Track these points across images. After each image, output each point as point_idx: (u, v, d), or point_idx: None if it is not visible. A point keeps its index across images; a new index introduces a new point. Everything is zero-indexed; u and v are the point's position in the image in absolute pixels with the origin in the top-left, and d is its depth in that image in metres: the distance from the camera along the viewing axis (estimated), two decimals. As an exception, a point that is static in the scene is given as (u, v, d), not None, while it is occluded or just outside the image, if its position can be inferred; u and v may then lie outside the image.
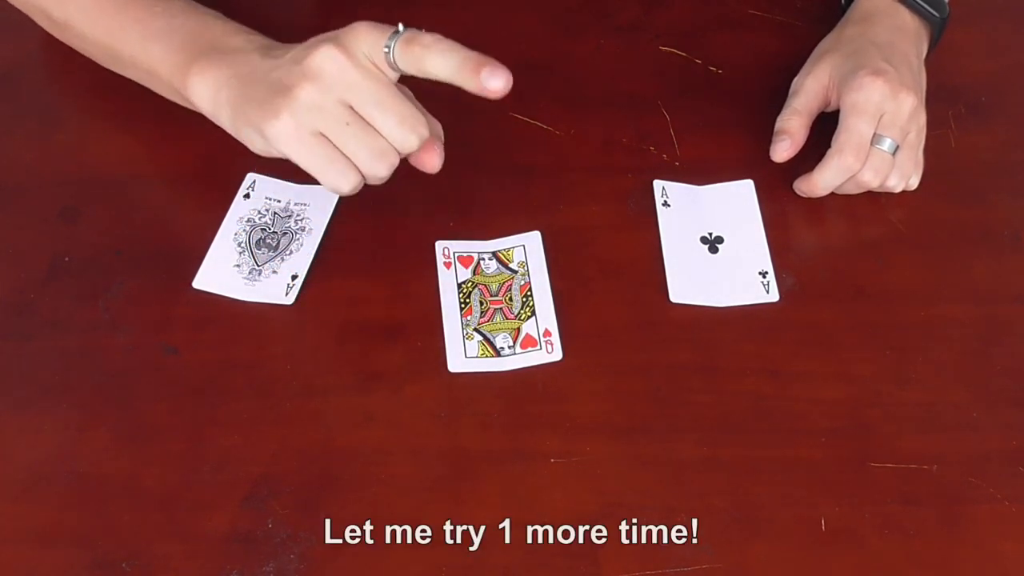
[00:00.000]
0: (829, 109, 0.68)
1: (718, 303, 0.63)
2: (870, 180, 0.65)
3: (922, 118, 0.67)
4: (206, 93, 0.60)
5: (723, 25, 0.78)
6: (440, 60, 0.54)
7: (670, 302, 0.63)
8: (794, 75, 0.70)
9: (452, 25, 0.77)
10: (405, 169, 0.68)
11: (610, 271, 0.65)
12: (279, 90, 0.55)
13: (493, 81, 0.52)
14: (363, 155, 0.55)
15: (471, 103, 0.73)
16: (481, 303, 0.62)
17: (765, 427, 0.59)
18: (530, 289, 0.63)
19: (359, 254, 0.66)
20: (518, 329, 0.61)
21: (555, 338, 0.61)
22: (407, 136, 0.56)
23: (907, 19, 0.70)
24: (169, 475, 0.57)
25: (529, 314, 0.62)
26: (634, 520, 0.55)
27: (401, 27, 0.55)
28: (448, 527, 0.55)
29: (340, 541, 0.55)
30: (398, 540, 0.55)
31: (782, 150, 0.67)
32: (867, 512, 0.55)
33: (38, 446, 0.58)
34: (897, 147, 0.65)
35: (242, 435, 0.58)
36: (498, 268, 0.64)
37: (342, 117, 0.54)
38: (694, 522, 0.55)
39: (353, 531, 0.55)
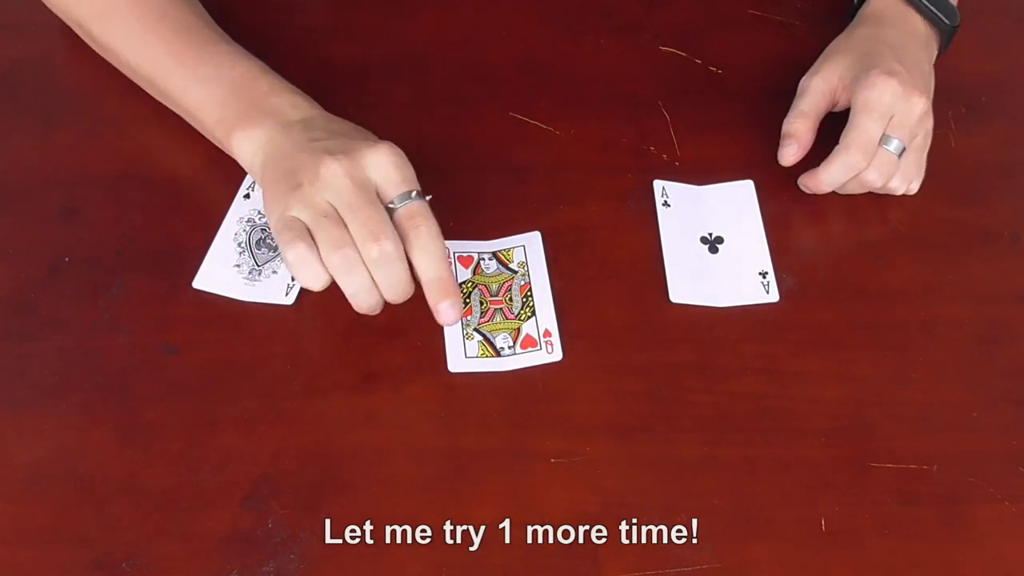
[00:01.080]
0: (837, 109, 0.68)
1: (718, 303, 0.63)
2: (874, 180, 0.65)
3: (930, 123, 0.67)
4: (246, 152, 0.63)
5: (723, 25, 0.78)
6: (417, 260, 0.57)
7: (670, 302, 0.63)
8: (794, 75, 0.70)
9: (452, 25, 0.77)
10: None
11: (610, 271, 0.65)
12: (294, 181, 0.58)
13: (445, 315, 0.57)
14: (325, 242, 0.56)
15: (471, 103, 0.73)
16: (481, 303, 0.62)
17: (765, 427, 0.59)
18: (530, 289, 0.63)
19: (359, 254, 0.66)
20: (518, 329, 0.61)
21: (555, 338, 0.61)
22: (366, 244, 0.56)
23: (918, 24, 0.70)
24: (169, 475, 0.57)
25: (529, 314, 0.62)
26: (634, 520, 0.55)
27: (413, 193, 0.58)
28: (448, 527, 0.55)
29: (340, 541, 0.55)
30: (398, 540, 0.55)
31: (789, 154, 0.67)
32: (867, 512, 0.55)
33: (38, 446, 0.58)
34: (904, 149, 0.65)
35: (242, 435, 0.58)
36: (498, 268, 0.63)
37: (319, 211, 0.57)
38: (694, 522, 0.55)
39: (353, 531, 0.55)
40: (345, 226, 0.57)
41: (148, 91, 0.69)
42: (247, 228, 0.66)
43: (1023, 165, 0.70)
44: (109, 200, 0.68)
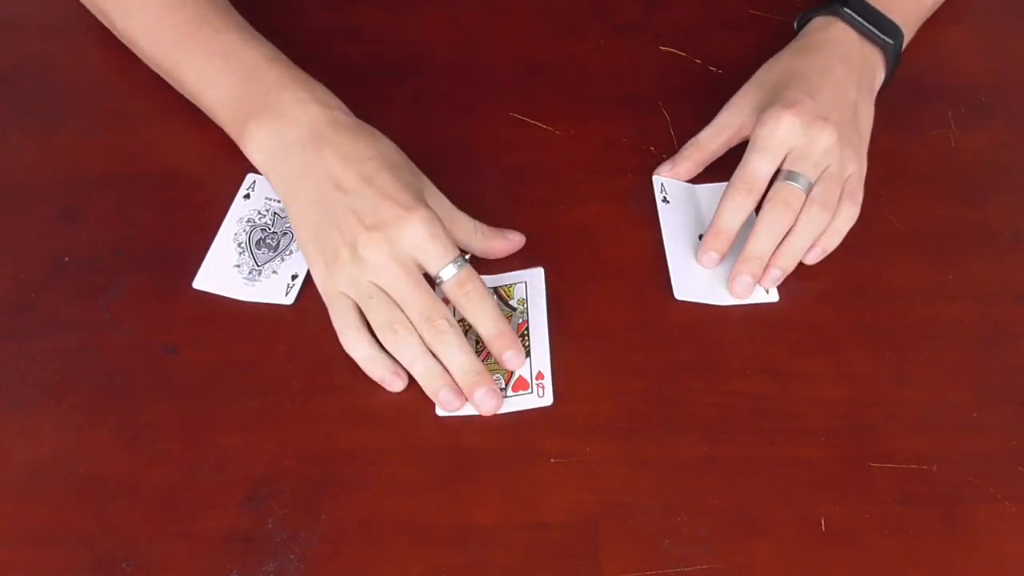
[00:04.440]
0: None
1: (720, 302, 0.63)
2: (780, 216, 0.62)
3: (851, 152, 0.64)
4: (260, 159, 0.64)
5: (723, 25, 0.78)
6: (476, 323, 0.60)
7: (670, 302, 0.63)
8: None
9: (452, 25, 0.77)
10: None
11: (610, 271, 0.65)
12: (329, 249, 0.60)
13: (511, 364, 0.60)
14: (379, 322, 0.59)
15: (471, 103, 0.73)
16: (478, 341, 0.61)
17: (765, 427, 0.59)
18: (527, 328, 0.62)
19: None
20: (512, 371, 0.61)
21: (547, 382, 0.60)
22: (422, 326, 0.58)
23: (854, 45, 0.68)
24: (169, 475, 0.57)
25: (524, 355, 0.61)
26: (634, 520, 0.55)
27: (454, 267, 0.59)
28: (448, 527, 0.55)
29: (340, 541, 0.55)
30: (398, 540, 0.55)
31: (663, 170, 0.68)
32: (867, 512, 0.55)
33: (38, 446, 0.58)
34: (811, 183, 0.62)
35: (242, 435, 0.58)
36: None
37: (366, 293, 0.59)
38: (694, 522, 0.55)
39: (353, 531, 0.55)
40: (395, 304, 0.59)
41: (173, 86, 0.69)
42: (247, 228, 0.66)
43: (1023, 165, 0.70)
44: (109, 200, 0.68)
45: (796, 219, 0.62)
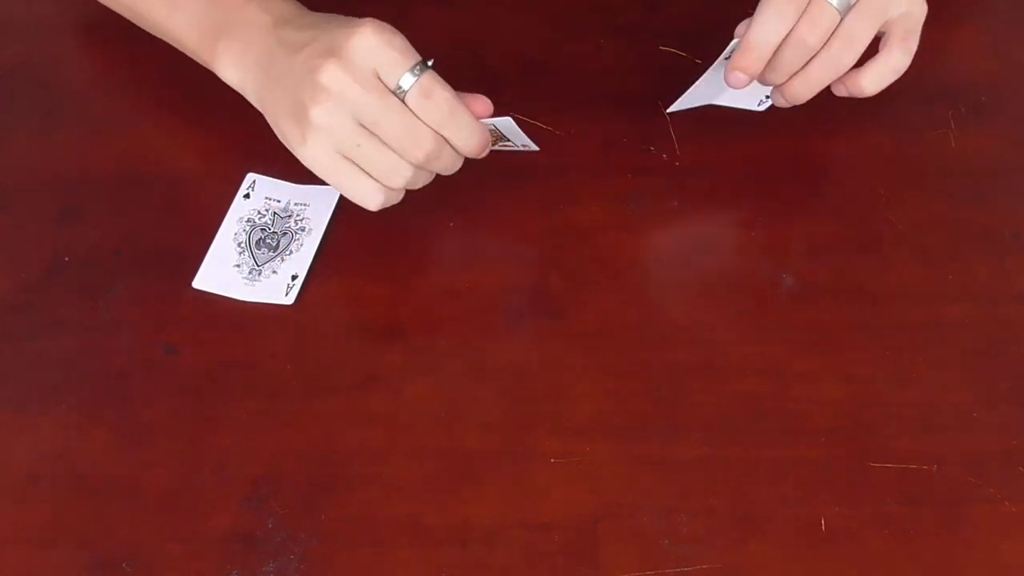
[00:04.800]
0: None
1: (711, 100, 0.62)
2: (805, 35, 0.57)
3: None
4: (233, 78, 0.62)
5: (723, 25, 0.77)
6: (449, 136, 0.58)
7: (670, 302, 0.63)
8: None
9: (452, 25, 0.77)
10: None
11: (610, 271, 0.65)
12: (297, 109, 0.57)
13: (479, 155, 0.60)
14: (378, 171, 0.58)
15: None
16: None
17: (765, 427, 0.59)
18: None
19: (359, 254, 0.66)
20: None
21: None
22: (409, 150, 0.57)
23: None
24: (169, 475, 0.57)
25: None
26: (634, 520, 0.55)
27: (416, 68, 0.56)
28: (448, 527, 0.55)
29: (340, 541, 0.55)
30: (398, 540, 0.55)
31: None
32: (867, 512, 0.55)
33: (38, 446, 0.58)
34: (848, 5, 0.57)
35: (242, 435, 0.58)
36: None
37: (354, 139, 0.56)
38: (694, 522, 0.55)
39: (353, 531, 0.55)
40: (375, 136, 0.56)
41: (141, 26, 0.68)
42: (247, 228, 0.66)
43: (1023, 165, 0.70)
44: (109, 200, 0.68)
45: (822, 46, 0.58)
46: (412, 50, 0.57)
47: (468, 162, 0.69)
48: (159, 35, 0.67)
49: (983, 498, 0.56)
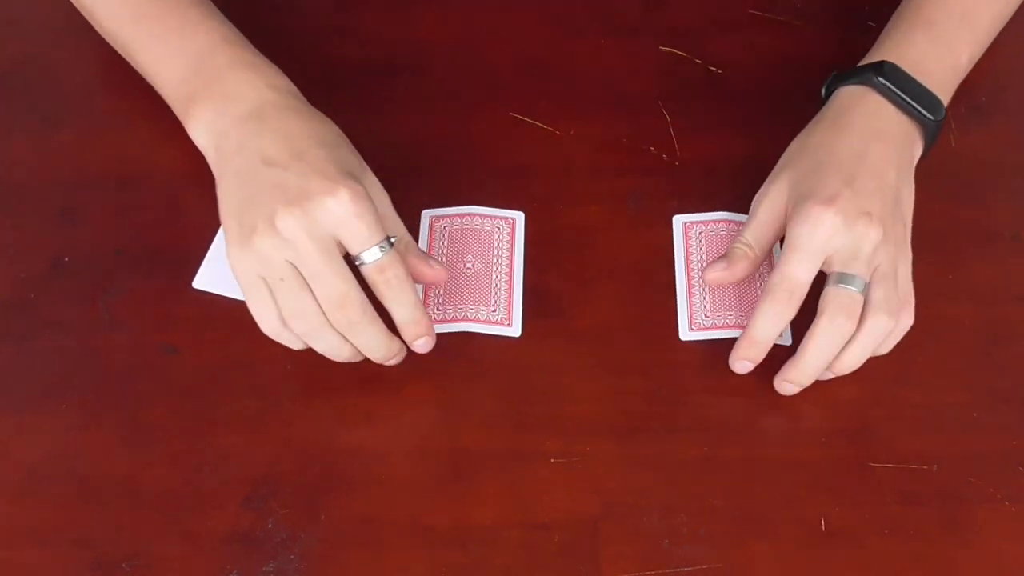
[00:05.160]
0: None
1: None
2: (842, 325, 0.56)
3: (898, 249, 0.58)
4: (201, 140, 0.62)
5: (723, 25, 0.77)
6: (391, 310, 0.58)
7: (669, 302, 0.63)
8: (794, 75, 0.70)
9: (452, 25, 0.77)
10: (405, 166, 0.69)
11: (610, 271, 0.65)
12: (246, 218, 0.56)
13: (420, 350, 0.59)
14: (287, 310, 0.56)
15: (471, 103, 0.73)
16: None
17: (765, 427, 0.59)
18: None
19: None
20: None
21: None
22: (333, 311, 0.56)
23: (891, 120, 0.61)
24: (169, 475, 0.57)
25: None
26: (634, 520, 0.55)
27: (378, 250, 0.56)
28: (448, 527, 0.55)
29: (340, 541, 0.55)
30: (398, 540, 0.55)
31: (715, 270, 0.61)
32: (867, 512, 0.55)
33: (38, 446, 0.58)
34: (866, 284, 0.57)
35: (242, 435, 0.58)
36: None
37: (281, 273, 0.55)
38: (694, 522, 0.55)
39: (353, 531, 0.55)
40: (308, 288, 0.55)
41: (129, 62, 0.68)
42: (247, 228, 0.66)
43: (1023, 165, 0.70)
44: (109, 200, 0.68)
45: (858, 328, 0.57)
46: (380, 226, 0.56)
47: (467, 163, 0.69)
48: (146, 77, 0.66)
49: (983, 498, 0.56)
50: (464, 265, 0.65)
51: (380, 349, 0.58)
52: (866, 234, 0.56)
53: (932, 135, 0.63)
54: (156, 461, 0.58)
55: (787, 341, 0.61)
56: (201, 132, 0.62)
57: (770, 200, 0.61)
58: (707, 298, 0.63)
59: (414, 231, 0.66)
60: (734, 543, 0.55)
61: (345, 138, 0.61)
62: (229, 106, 0.60)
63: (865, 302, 0.57)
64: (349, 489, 0.56)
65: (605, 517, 0.55)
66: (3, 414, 0.59)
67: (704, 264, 0.64)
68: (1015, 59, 0.76)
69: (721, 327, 0.62)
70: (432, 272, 0.60)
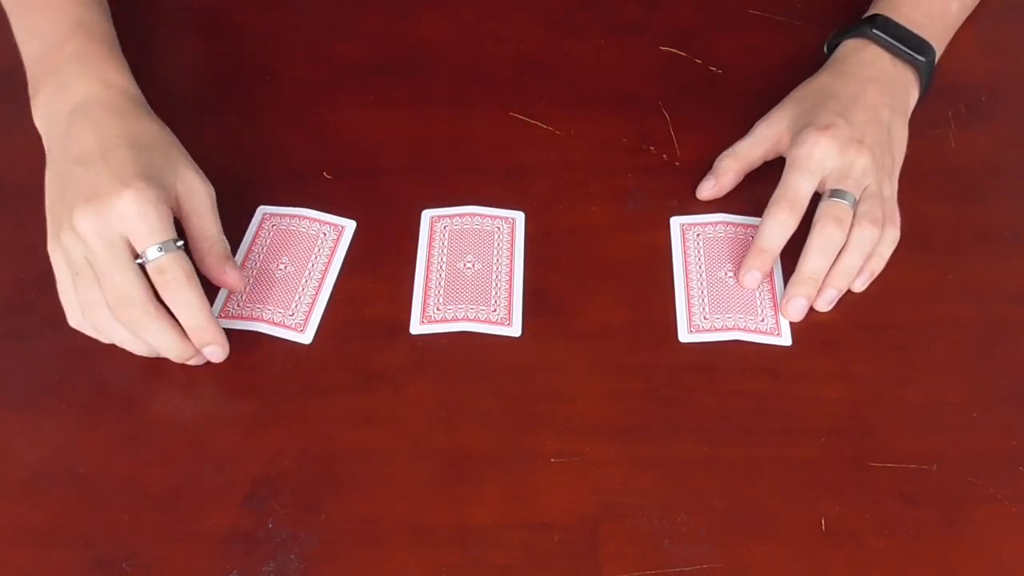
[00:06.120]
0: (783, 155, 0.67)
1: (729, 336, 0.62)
2: (832, 233, 0.62)
3: (886, 175, 0.65)
4: (40, 125, 0.64)
5: (723, 25, 0.78)
6: (176, 312, 0.58)
7: (669, 302, 0.63)
8: (794, 75, 0.71)
9: (452, 25, 0.77)
10: (406, 166, 0.69)
11: (610, 271, 0.65)
12: (57, 214, 0.59)
13: (213, 358, 0.59)
14: (83, 301, 0.58)
15: (471, 103, 0.73)
16: None
17: (765, 427, 0.59)
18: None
19: (359, 254, 0.66)
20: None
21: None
22: (115, 308, 0.57)
23: (887, 66, 0.68)
24: (169, 475, 0.57)
25: None
26: (634, 520, 0.55)
27: (157, 249, 0.57)
28: (448, 527, 0.55)
29: (340, 541, 0.55)
30: (398, 540, 0.55)
31: (705, 188, 0.67)
32: (867, 512, 0.55)
33: (38, 446, 0.58)
34: (856, 199, 0.63)
35: (242, 435, 0.58)
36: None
37: (78, 267, 0.58)
38: (694, 522, 0.55)
39: (353, 531, 0.55)
40: (99, 284, 0.57)
41: None
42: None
43: (1023, 165, 0.70)
44: (109, 200, 0.68)
45: (847, 237, 0.62)
46: (166, 227, 0.58)
47: (467, 163, 0.69)
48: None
49: (983, 498, 0.56)
50: (464, 265, 0.65)
51: (171, 349, 0.58)
52: (856, 159, 0.63)
53: (927, 79, 0.69)
54: (156, 461, 0.58)
55: (787, 342, 0.61)
56: (38, 117, 0.64)
57: (771, 122, 0.68)
58: (706, 300, 0.63)
59: (414, 231, 0.66)
60: (734, 543, 0.55)
61: (168, 140, 0.63)
62: (61, 97, 0.63)
63: (854, 216, 0.63)
64: (349, 489, 0.56)
65: (605, 517, 0.55)
66: (3, 414, 0.59)
67: (703, 266, 0.65)
68: (1015, 59, 0.76)
69: (720, 329, 0.62)
70: (228, 277, 0.61)
